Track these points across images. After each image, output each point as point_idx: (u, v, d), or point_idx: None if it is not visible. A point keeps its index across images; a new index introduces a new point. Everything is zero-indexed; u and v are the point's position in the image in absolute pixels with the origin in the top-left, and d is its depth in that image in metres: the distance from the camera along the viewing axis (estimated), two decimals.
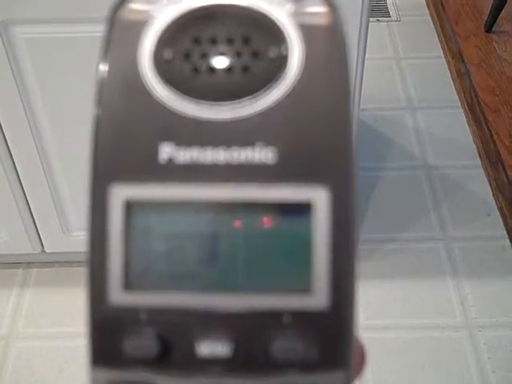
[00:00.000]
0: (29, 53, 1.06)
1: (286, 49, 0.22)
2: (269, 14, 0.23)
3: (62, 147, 1.20)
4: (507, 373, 1.29)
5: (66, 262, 1.45)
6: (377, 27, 2.12)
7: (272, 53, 0.23)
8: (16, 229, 1.31)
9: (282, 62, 0.22)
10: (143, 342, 0.22)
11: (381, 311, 1.39)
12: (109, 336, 0.22)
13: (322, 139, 0.22)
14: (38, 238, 1.34)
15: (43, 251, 1.37)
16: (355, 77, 1.10)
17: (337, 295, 0.22)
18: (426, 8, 2.22)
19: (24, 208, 1.28)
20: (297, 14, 0.23)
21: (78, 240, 1.33)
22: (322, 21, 0.23)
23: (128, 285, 0.22)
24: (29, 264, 1.46)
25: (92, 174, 0.22)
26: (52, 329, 1.36)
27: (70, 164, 1.23)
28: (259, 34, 0.23)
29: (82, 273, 1.46)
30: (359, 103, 1.15)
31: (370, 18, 1.06)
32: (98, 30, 1.03)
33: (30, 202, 1.27)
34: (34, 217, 1.30)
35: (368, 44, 1.08)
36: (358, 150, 1.25)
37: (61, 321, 1.37)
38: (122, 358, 0.22)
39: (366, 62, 1.10)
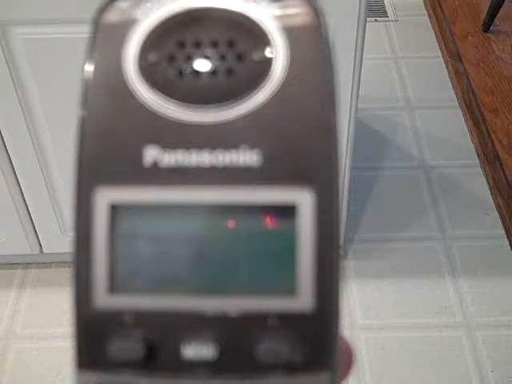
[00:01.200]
0: (27, 54, 1.06)
1: (271, 52, 0.22)
2: (253, 17, 0.23)
3: (60, 148, 1.20)
4: (506, 372, 1.29)
5: (64, 262, 1.45)
6: (374, 27, 2.12)
7: (256, 56, 0.23)
8: (14, 230, 1.31)
9: (266, 65, 0.22)
10: (129, 345, 0.22)
11: (379, 311, 1.39)
12: (94, 339, 0.23)
13: (306, 142, 0.22)
14: (36, 239, 1.34)
15: (41, 252, 1.37)
16: (353, 76, 1.10)
17: (322, 297, 0.22)
18: (424, 8, 2.22)
19: (22, 209, 1.28)
20: (281, 17, 0.23)
21: None
22: (307, 24, 0.23)
23: (113, 288, 0.22)
24: (27, 265, 1.46)
25: (77, 176, 0.23)
26: (50, 329, 1.36)
27: (67, 165, 1.23)
28: (243, 37, 0.23)
29: None
30: (357, 103, 1.15)
31: (368, 18, 1.06)
32: None
33: (28, 203, 1.27)
34: (32, 218, 1.30)
35: (366, 44, 1.08)
36: (356, 149, 1.25)
37: (59, 321, 1.37)
38: (108, 360, 0.22)
39: (363, 61, 1.10)
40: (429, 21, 2.17)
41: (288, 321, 0.22)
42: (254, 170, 0.22)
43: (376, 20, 2.16)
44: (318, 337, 0.22)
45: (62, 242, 1.35)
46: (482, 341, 1.33)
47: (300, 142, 0.22)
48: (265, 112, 0.22)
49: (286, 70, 0.22)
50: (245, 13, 0.23)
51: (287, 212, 0.22)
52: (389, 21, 2.17)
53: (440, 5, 2.10)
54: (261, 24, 0.23)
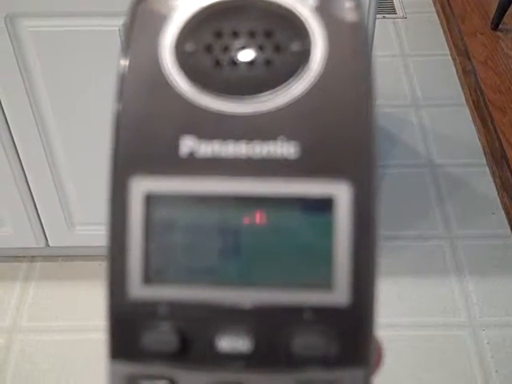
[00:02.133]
0: (35, 46, 1.06)
1: (309, 43, 0.22)
2: (291, 8, 0.22)
3: (68, 141, 1.20)
4: (511, 372, 1.29)
5: (69, 256, 1.45)
6: (383, 24, 2.11)
7: (294, 47, 0.22)
8: (20, 223, 1.31)
9: (304, 56, 0.22)
10: (162, 336, 0.22)
11: (384, 309, 1.39)
12: (128, 329, 0.22)
13: (343, 134, 0.22)
14: (42, 232, 1.34)
15: (47, 245, 1.37)
16: None
17: (358, 292, 0.22)
18: (433, 5, 2.21)
19: (28, 202, 1.28)
20: (320, 9, 0.22)
21: (81, 234, 1.34)
22: (345, 16, 0.23)
23: (148, 278, 0.22)
24: (33, 258, 1.47)
25: (112, 166, 0.22)
26: (55, 322, 1.36)
27: (74, 158, 1.23)
28: (282, 27, 0.22)
29: (85, 267, 1.45)
30: None
31: (377, 15, 1.05)
32: (104, 24, 1.03)
33: (34, 196, 1.28)
34: (39, 211, 1.30)
35: (374, 41, 1.07)
36: None
37: (64, 315, 1.37)
38: (142, 351, 0.22)
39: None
40: (437, 18, 2.16)
41: (324, 315, 0.22)
42: (292, 162, 0.22)
43: (384, 17, 2.15)
44: (353, 332, 0.22)
45: (67, 235, 1.35)
46: (486, 340, 1.33)
47: (338, 135, 0.22)
48: (303, 104, 0.22)
49: (325, 62, 0.22)
50: (283, 3, 0.23)
51: (325, 205, 0.22)
52: (397, 18, 2.16)
53: (449, 2, 2.09)
54: (299, 15, 0.22)
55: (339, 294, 0.22)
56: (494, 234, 1.53)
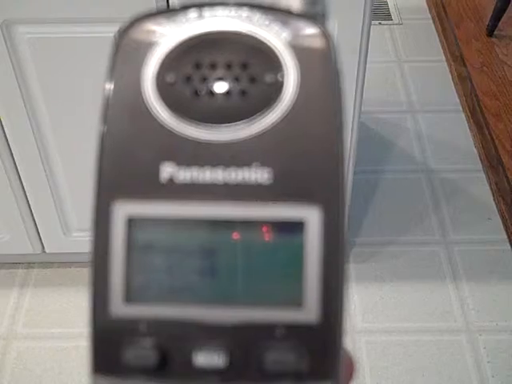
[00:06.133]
0: (31, 53, 1.07)
1: (282, 75, 0.24)
2: (266, 42, 0.24)
3: (64, 148, 1.20)
4: (507, 377, 1.29)
5: (66, 262, 1.45)
6: (379, 30, 2.12)
7: (268, 78, 0.24)
8: (17, 229, 1.31)
9: (278, 87, 0.24)
10: (143, 352, 0.23)
11: (380, 314, 1.39)
12: (110, 345, 0.23)
13: (314, 162, 0.23)
14: (38, 239, 1.34)
15: (43, 251, 1.37)
16: (357, 79, 1.10)
17: (327, 309, 0.23)
18: (428, 11, 2.22)
19: (25, 208, 1.28)
20: (293, 42, 0.24)
21: (78, 241, 1.34)
22: (317, 48, 0.24)
23: (129, 297, 0.23)
24: (29, 264, 1.47)
25: (96, 190, 0.23)
26: (52, 329, 1.36)
27: (70, 165, 1.23)
28: (257, 59, 0.24)
29: (81, 273, 1.45)
30: (360, 106, 1.15)
31: (372, 21, 1.06)
32: (100, 31, 1.03)
33: (30, 202, 1.28)
34: (35, 217, 1.30)
35: (370, 47, 1.08)
36: (359, 152, 1.25)
37: (60, 321, 1.37)
38: (122, 366, 0.23)
39: (367, 65, 1.10)
40: (433, 24, 2.17)
41: (295, 332, 0.23)
42: (265, 188, 0.23)
43: (380, 23, 2.16)
44: (322, 347, 0.23)
45: (64, 241, 1.35)
46: (482, 345, 1.33)
47: (308, 162, 0.23)
48: (276, 132, 0.23)
49: (297, 93, 0.23)
50: (258, 37, 0.24)
51: (296, 228, 0.23)
52: (393, 24, 2.17)
53: (444, 9, 2.10)
54: (273, 48, 0.24)
55: (309, 312, 0.23)
56: (489, 239, 1.53)
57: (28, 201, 1.27)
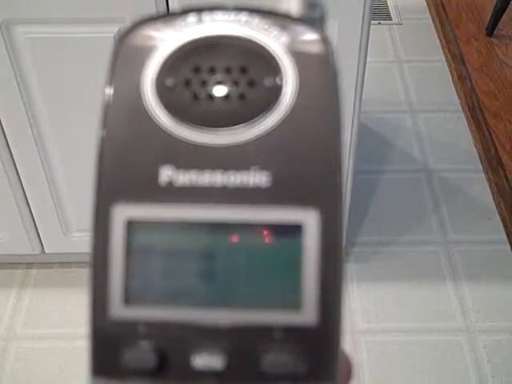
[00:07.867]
0: (30, 53, 1.07)
1: (281, 79, 0.24)
2: (265, 46, 0.24)
3: (63, 148, 1.20)
4: (506, 377, 1.29)
5: (65, 262, 1.45)
6: (378, 30, 2.12)
7: (267, 82, 0.24)
8: (16, 229, 1.31)
9: (276, 91, 0.24)
10: (141, 355, 0.23)
11: (380, 314, 1.39)
12: (109, 348, 0.24)
13: (312, 165, 0.23)
14: (38, 239, 1.34)
15: (43, 252, 1.37)
16: (356, 79, 1.10)
17: (325, 312, 0.23)
18: (428, 11, 2.22)
19: (24, 209, 1.28)
20: (291, 46, 0.24)
21: (77, 241, 1.34)
22: (315, 53, 0.24)
23: (128, 300, 0.24)
24: (28, 264, 1.47)
25: (96, 193, 0.24)
26: (51, 330, 1.36)
27: (70, 165, 1.23)
28: (255, 63, 0.24)
29: (81, 274, 1.45)
30: (360, 105, 1.15)
31: (372, 21, 1.06)
32: (100, 31, 1.03)
33: (30, 202, 1.28)
34: (35, 218, 1.30)
35: (369, 47, 1.08)
36: (358, 152, 1.25)
37: (60, 322, 1.37)
38: (121, 369, 0.23)
39: (367, 64, 1.10)
40: (432, 24, 2.17)
41: (293, 334, 0.23)
42: (264, 191, 0.23)
43: (380, 23, 2.16)
44: (320, 349, 0.23)
45: (63, 242, 1.35)
46: (482, 345, 1.33)
47: (306, 165, 0.23)
48: (274, 136, 0.23)
49: (295, 97, 0.24)
50: (257, 41, 0.24)
51: (294, 231, 0.23)
52: (392, 24, 2.17)
53: (444, 8, 2.10)
54: (272, 52, 0.24)
55: (307, 315, 0.23)
56: (489, 239, 1.53)
57: (28, 201, 1.27)
